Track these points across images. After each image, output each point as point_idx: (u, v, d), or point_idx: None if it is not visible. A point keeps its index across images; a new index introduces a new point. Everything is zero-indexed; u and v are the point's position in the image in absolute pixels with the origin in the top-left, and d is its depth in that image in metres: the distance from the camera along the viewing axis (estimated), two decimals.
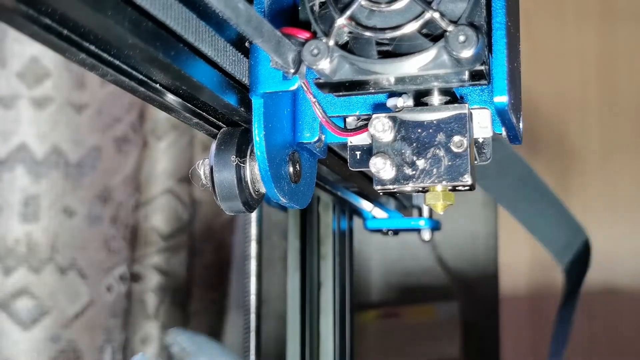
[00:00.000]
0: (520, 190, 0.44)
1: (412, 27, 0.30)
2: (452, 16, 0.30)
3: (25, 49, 0.78)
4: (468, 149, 0.33)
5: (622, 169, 0.96)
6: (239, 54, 0.34)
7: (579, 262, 0.50)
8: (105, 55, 0.28)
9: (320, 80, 0.33)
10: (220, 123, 0.36)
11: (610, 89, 0.98)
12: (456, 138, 0.33)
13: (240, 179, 0.35)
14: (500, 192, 0.46)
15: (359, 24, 0.31)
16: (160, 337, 0.92)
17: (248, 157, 0.35)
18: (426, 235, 0.68)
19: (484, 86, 0.33)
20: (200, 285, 0.99)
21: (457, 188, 0.34)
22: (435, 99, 0.34)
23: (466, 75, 0.31)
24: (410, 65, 0.31)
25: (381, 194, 0.35)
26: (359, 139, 0.36)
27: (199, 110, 0.34)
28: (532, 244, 0.94)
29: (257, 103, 0.34)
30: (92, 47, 0.28)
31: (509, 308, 0.97)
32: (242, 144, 0.35)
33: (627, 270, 0.94)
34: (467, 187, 0.33)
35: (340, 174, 0.46)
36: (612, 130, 0.97)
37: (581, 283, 0.51)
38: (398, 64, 0.31)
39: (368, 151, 0.35)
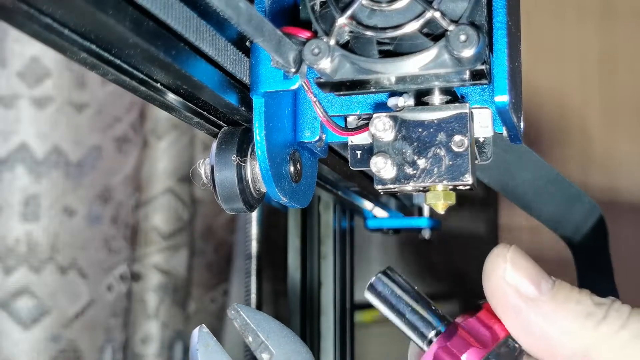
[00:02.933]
0: (520, 174, 0.44)
1: (413, 27, 0.30)
2: (453, 15, 0.30)
3: (25, 48, 0.78)
4: (469, 149, 0.33)
5: (623, 167, 0.96)
6: (240, 53, 0.34)
7: (597, 236, 0.48)
8: (106, 54, 0.28)
9: (321, 80, 0.33)
10: (221, 122, 0.36)
11: (610, 88, 0.98)
12: (457, 137, 0.33)
13: (241, 179, 0.35)
14: (498, 180, 0.45)
15: (359, 23, 0.31)
16: (161, 337, 0.92)
17: (249, 156, 0.35)
18: (427, 234, 0.68)
19: (484, 85, 0.33)
20: (201, 285, 0.99)
21: (457, 187, 0.34)
22: (436, 98, 0.34)
23: (467, 75, 0.31)
24: (411, 65, 0.31)
25: (382, 193, 0.35)
26: (360, 139, 0.36)
27: (199, 110, 0.34)
28: (532, 242, 0.94)
29: (257, 102, 0.34)
30: (93, 47, 0.28)
31: None
32: (242, 144, 0.35)
33: (628, 269, 0.94)
34: (467, 187, 0.33)
35: (341, 173, 0.46)
36: (613, 128, 0.97)
37: (607, 253, 0.49)
38: (399, 63, 0.31)
39: (369, 150, 0.35)
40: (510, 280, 0.32)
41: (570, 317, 0.31)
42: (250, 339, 0.36)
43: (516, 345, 0.33)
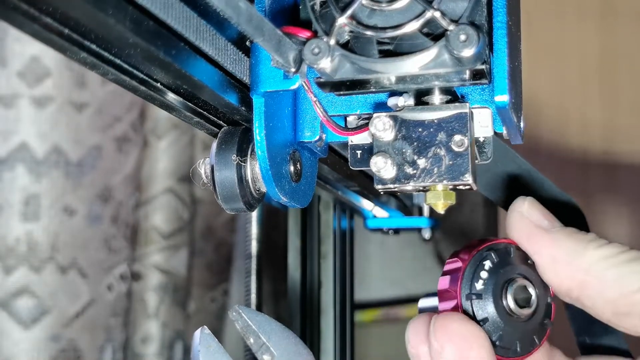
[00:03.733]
0: (498, 171, 0.44)
1: (413, 26, 0.30)
2: (453, 15, 0.30)
3: (25, 48, 0.78)
4: (469, 148, 0.33)
5: (624, 167, 0.96)
6: (240, 53, 0.34)
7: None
8: (106, 54, 0.28)
9: (321, 80, 0.33)
10: (221, 122, 0.36)
11: (610, 88, 0.98)
12: (457, 137, 0.33)
13: (241, 178, 0.35)
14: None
15: (359, 23, 0.31)
16: (161, 336, 0.92)
17: (249, 156, 0.35)
18: (427, 234, 0.68)
19: (484, 85, 0.33)
20: (201, 285, 0.99)
21: (457, 187, 0.34)
22: (436, 98, 0.34)
23: (467, 75, 0.31)
24: (411, 65, 0.31)
25: (382, 193, 0.35)
26: (360, 138, 0.36)
27: (199, 109, 0.34)
28: None
29: (258, 102, 0.34)
30: (93, 46, 0.28)
31: None
32: (243, 143, 0.35)
33: None
34: (467, 187, 0.33)
35: (341, 173, 0.46)
36: (613, 128, 0.97)
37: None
38: (399, 63, 0.31)
39: (369, 150, 0.35)
40: (526, 214, 0.37)
41: (576, 242, 0.36)
42: (251, 340, 0.37)
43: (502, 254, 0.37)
